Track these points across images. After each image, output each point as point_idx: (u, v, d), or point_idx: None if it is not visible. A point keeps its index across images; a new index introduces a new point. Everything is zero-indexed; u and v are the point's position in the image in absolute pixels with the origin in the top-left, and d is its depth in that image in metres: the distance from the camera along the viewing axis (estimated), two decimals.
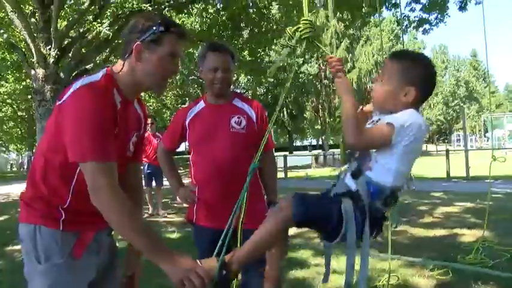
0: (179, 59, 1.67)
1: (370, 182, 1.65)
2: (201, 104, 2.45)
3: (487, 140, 39.98)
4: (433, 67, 1.71)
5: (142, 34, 1.54)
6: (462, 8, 10.45)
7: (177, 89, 27.60)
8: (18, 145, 40.48)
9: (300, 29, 1.68)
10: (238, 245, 1.77)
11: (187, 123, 2.42)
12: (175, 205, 9.36)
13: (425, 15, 11.00)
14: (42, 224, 1.55)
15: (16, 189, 16.67)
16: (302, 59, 31.47)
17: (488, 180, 5.42)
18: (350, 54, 34.14)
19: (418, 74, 1.62)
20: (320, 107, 35.14)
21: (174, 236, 6.32)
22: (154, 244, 1.44)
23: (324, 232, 1.70)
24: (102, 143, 1.45)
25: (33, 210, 1.57)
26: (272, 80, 30.36)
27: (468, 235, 5.64)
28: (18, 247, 5.57)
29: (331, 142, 43.79)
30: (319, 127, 38.68)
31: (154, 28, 1.54)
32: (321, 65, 31.67)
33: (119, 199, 1.44)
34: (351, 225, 1.63)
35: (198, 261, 1.47)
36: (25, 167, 40.24)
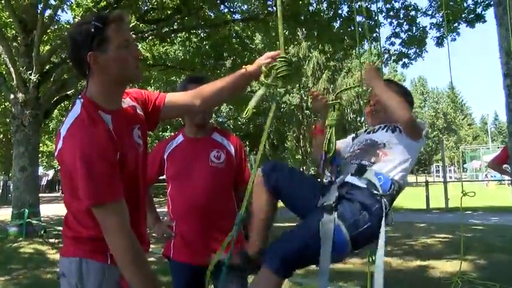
0: (133, 42, 1.61)
1: (381, 174, 1.76)
2: (180, 138, 2.43)
3: (466, 171, 40.69)
4: None
5: (86, 43, 1.46)
6: (439, 43, 10.79)
7: None
8: None
9: (276, 67, 1.63)
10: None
11: (165, 156, 2.39)
12: (153, 235, 9.18)
13: (404, 50, 11.32)
14: (89, 258, 1.54)
15: None
16: (284, 89, 31.85)
17: (461, 212, 5.40)
18: (332, 85, 34.72)
19: (411, 97, 2.11)
20: (301, 137, 35.41)
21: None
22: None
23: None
24: (104, 183, 1.43)
25: (79, 244, 1.55)
26: (254, 109, 30.47)
27: (448, 268, 5.64)
28: None
29: (312, 172, 43.85)
30: (300, 157, 38.85)
31: (92, 30, 1.45)
32: (303, 95, 32.08)
33: (127, 241, 1.45)
34: (326, 245, 1.63)
35: None
36: None
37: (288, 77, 1.62)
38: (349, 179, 1.76)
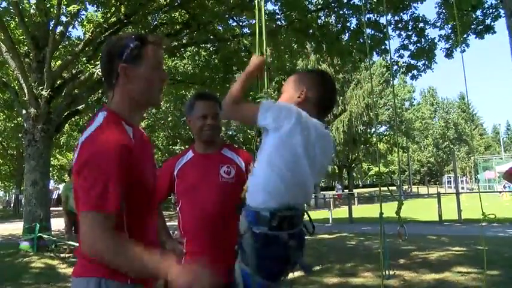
0: (164, 66, 1.67)
1: (249, 208, 1.61)
2: (190, 154, 2.42)
3: (478, 182, 40.21)
4: (321, 74, 1.86)
5: (121, 55, 1.51)
6: (448, 55, 10.75)
7: (169, 131, 27.65)
8: (6, 183, 39.94)
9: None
10: None
11: (175, 173, 2.38)
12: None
13: (413, 62, 11.28)
14: (109, 278, 1.46)
15: (0, 229, 16.20)
16: None
17: (481, 228, 5.31)
18: (341, 97, 34.71)
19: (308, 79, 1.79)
20: None
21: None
22: (147, 264, 1.38)
23: None
24: (109, 190, 1.38)
25: (97, 264, 1.47)
26: None
27: (464, 282, 5.52)
28: None
29: (322, 184, 43.71)
30: None
31: (131, 45, 1.52)
32: None
33: (105, 244, 1.37)
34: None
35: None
36: (11, 205, 39.44)
37: None
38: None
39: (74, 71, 11.19)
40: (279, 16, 11.61)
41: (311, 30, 11.33)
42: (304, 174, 1.58)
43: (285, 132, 1.54)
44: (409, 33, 11.00)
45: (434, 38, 11.06)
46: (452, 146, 59.27)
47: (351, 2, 10.86)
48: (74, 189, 1.54)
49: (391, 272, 5.76)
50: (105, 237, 1.38)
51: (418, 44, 11.07)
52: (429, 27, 10.96)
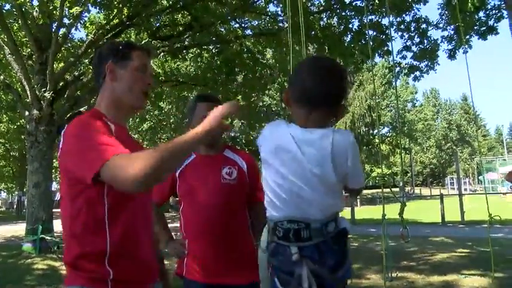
0: (151, 73, 1.73)
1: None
2: (191, 155, 2.41)
3: (481, 183, 40.03)
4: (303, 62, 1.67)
5: (111, 56, 1.62)
6: (451, 56, 10.72)
7: (171, 132, 27.66)
8: (8, 184, 40.01)
9: None
10: None
11: (177, 174, 2.36)
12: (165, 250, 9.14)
13: (416, 63, 11.27)
14: (90, 286, 1.46)
15: (3, 231, 16.21)
16: None
17: (488, 227, 5.25)
18: None
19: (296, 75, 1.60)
20: None
21: None
22: (179, 143, 1.36)
23: None
24: (104, 145, 1.36)
25: (79, 271, 1.48)
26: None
27: (468, 283, 5.50)
28: None
29: None
30: None
31: (120, 47, 1.65)
32: None
33: (138, 167, 1.26)
34: None
35: None
36: (14, 206, 39.50)
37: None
38: None
39: (76, 73, 11.21)
40: (281, 18, 11.62)
41: (313, 32, 11.32)
42: (294, 188, 1.49)
43: (264, 153, 1.55)
44: (412, 34, 10.98)
45: (437, 39, 11.06)
46: (454, 148, 59.07)
47: (353, 4, 10.86)
48: (61, 183, 1.54)
49: (395, 274, 5.74)
50: (132, 159, 1.29)
51: (421, 45, 11.06)
52: (432, 28, 10.96)
